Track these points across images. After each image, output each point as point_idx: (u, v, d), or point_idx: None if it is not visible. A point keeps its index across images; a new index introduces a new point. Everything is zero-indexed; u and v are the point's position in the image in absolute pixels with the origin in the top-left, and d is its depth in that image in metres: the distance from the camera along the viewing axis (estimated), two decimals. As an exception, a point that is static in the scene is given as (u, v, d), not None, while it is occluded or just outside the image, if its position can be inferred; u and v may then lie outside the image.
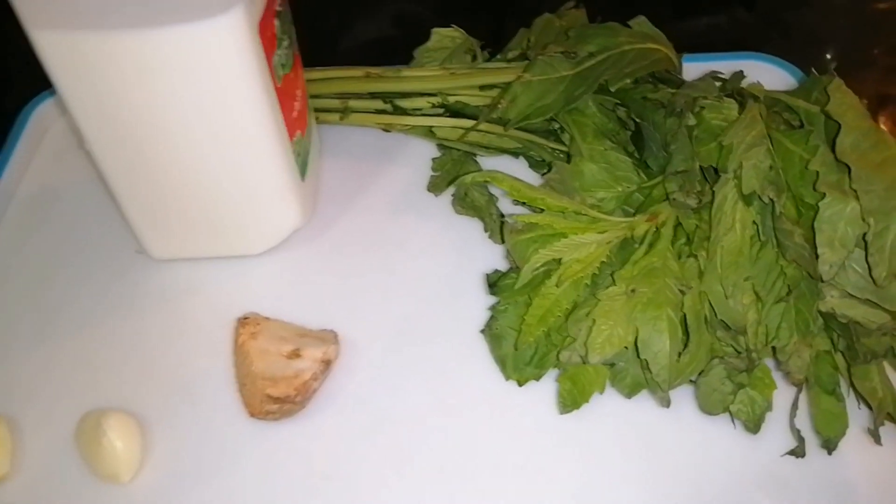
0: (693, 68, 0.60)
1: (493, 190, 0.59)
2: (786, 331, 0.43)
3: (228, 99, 0.46)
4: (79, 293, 0.56)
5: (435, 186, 0.61)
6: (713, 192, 0.46)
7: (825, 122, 0.45)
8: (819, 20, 0.84)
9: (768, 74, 0.65)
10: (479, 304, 0.54)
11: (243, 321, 0.49)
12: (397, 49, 0.66)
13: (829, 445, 0.44)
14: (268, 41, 0.47)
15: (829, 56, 0.80)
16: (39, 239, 0.59)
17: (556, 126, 0.59)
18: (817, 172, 0.40)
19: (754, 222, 0.43)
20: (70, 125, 0.67)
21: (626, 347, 0.43)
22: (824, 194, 0.39)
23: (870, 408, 0.46)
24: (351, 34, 0.79)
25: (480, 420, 0.49)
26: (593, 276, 0.47)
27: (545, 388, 0.49)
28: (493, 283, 0.50)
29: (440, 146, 0.63)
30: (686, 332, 0.44)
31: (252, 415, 0.47)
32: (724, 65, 0.61)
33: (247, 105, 0.47)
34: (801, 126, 0.46)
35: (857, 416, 0.47)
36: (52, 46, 0.43)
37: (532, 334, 0.46)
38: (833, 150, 0.41)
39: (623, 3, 0.61)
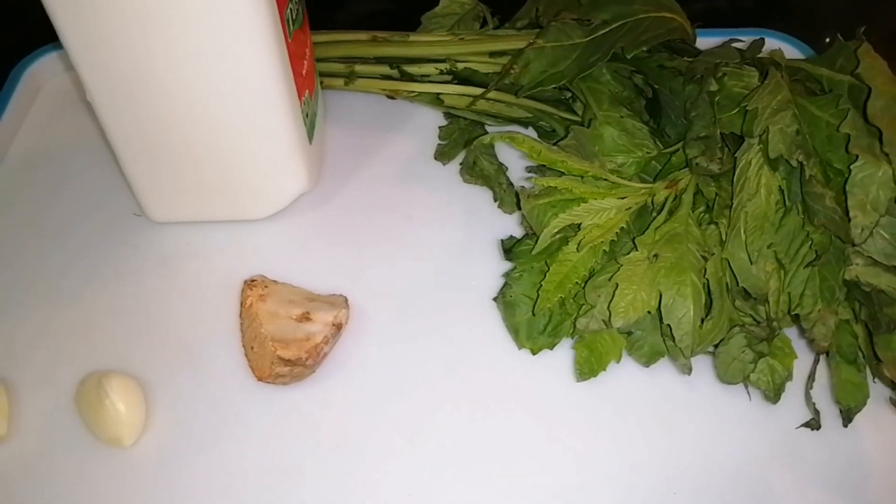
0: (702, 43, 0.59)
1: (502, 159, 0.58)
2: (810, 298, 0.42)
3: (240, 50, 0.44)
4: (75, 255, 0.54)
5: (442, 155, 0.60)
6: (735, 158, 0.45)
7: (849, 89, 0.44)
8: (818, 3, 0.84)
9: (777, 50, 0.64)
10: (489, 272, 0.53)
11: (251, 283, 0.48)
12: (400, 20, 0.64)
13: (849, 415, 0.44)
14: (281, -7, 0.45)
15: (827, 40, 0.80)
16: (33, 200, 0.57)
17: (568, 95, 0.58)
18: (848, 135, 0.40)
19: (780, 188, 0.43)
20: (72, 79, 0.65)
21: (648, 312, 0.43)
22: (856, 157, 0.39)
23: (884, 381, 0.45)
24: (353, 3, 0.78)
25: (492, 388, 0.48)
26: (611, 243, 0.46)
27: (559, 357, 0.48)
28: (509, 248, 0.49)
29: (447, 115, 0.62)
30: (709, 299, 0.43)
31: (260, 379, 0.46)
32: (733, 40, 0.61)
33: (259, 57, 0.45)
34: (824, 93, 0.45)
35: (872, 389, 0.46)
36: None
37: (550, 300, 0.45)
38: (863, 114, 0.40)
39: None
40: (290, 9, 0.47)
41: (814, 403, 0.46)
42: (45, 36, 0.65)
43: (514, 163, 0.58)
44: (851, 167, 0.39)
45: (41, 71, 0.65)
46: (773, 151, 0.42)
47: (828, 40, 0.80)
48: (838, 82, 0.45)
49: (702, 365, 0.48)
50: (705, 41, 0.59)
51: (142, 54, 0.44)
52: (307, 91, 0.52)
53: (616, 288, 0.43)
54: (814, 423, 0.45)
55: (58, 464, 0.45)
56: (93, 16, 0.42)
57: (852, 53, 0.43)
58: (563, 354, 0.49)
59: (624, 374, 0.48)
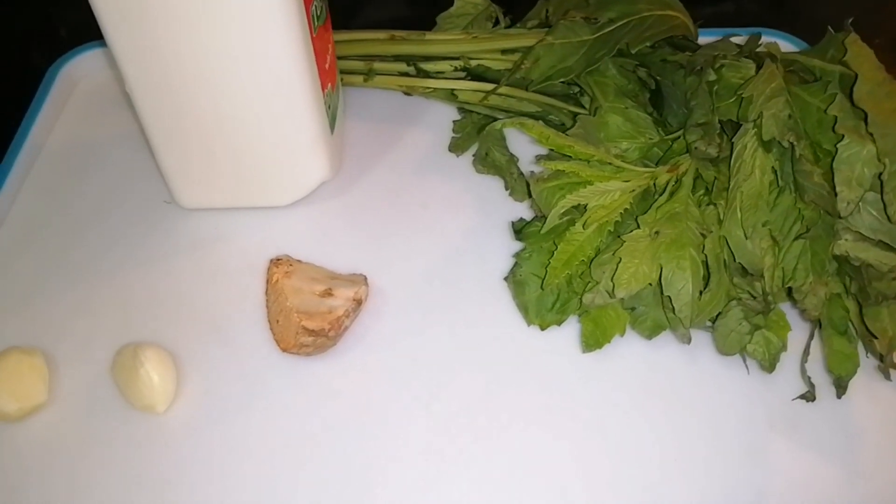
0: (704, 41, 0.61)
1: (513, 150, 0.61)
2: (802, 272, 0.45)
3: (269, 45, 0.48)
4: (110, 240, 0.57)
5: (457, 147, 0.63)
6: (732, 143, 0.48)
7: (840, 78, 0.47)
8: (822, 8, 0.86)
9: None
10: (500, 255, 0.56)
11: (276, 261, 0.51)
12: (416, 21, 0.67)
13: (841, 384, 0.47)
14: (307, -9, 0.49)
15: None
16: (70, 188, 0.61)
17: (576, 90, 0.61)
18: (836, 117, 0.42)
19: (773, 169, 0.46)
20: (105, 77, 0.69)
21: (650, 284, 0.45)
22: (842, 136, 0.41)
23: (874, 354, 0.48)
24: (362, 13, 0.81)
25: (504, 362, 0.50)
26: (616, 224, 0.49)
27: (566, 334, 0.51)
28: (519, 230, 0.52)
29: (461, 109, 0.65)
30: (707, 272, 0.46)
31: (285, 350, 0.49)
32: (735, 39, 0.63)
33: (286, 51, 0.48)
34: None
35: (864, 363, 0.49)
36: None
37: (558, 276, 0.48)
38: (850, 98, 0.43)
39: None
40: (315, 6, 0.51)
41: (809, 377, 0.48)
42: (77, 38, 0.70)
43: (525, 154, 0.61)
44: (838, 146, 0.42)
45: (76, 70, 0.69)
46: (767, 134, 0.45)
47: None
48: (829, 72, 0.48)
49: (702, 340, 0.50)
50: (707, 39, 0.61)
51: (178, 48, 0.47)
52: (329, 84, 0.55)
53: (619, 262, 0.46)
54: (809, 395, 0.48)
55: (95, 429, 0.48)
56: (134, 12, 0.46)
57: (841, 43, 0.46)
58: (570, 331, 0.51)
59: (628, 349, 0.50)
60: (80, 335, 0.52)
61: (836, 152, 0.42)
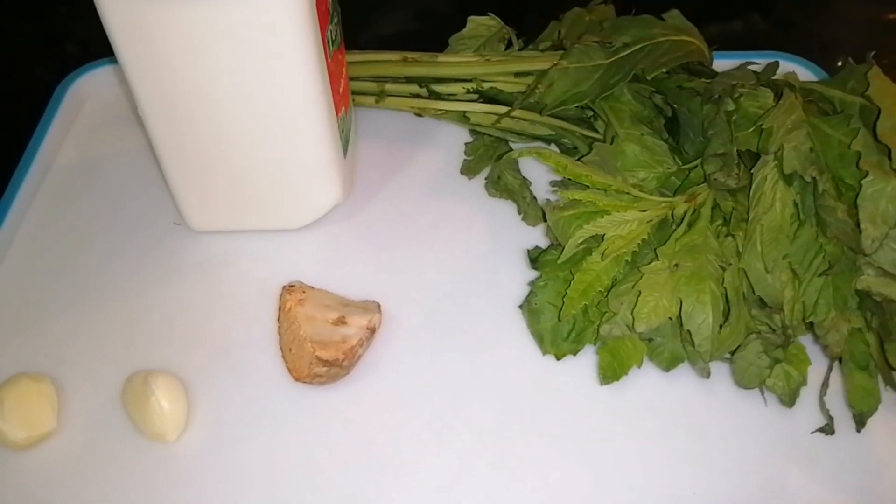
0: (718, 65, 0.61)
1: (526, 174, 0.60)
2: (823, 307, 0.45)
3: (285, 69, 0.47)
4: (118, 262, 0.57)
5: (468, 170, 0.62)
6: (751, 174, 0.47)
7: (860, 110, 0.46)
8: (831, 28, 0.86)
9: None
10: (514, 281, 0.55)
11: (289, 288, 0.50)
12: (428, 42, 0.67)
13: (861, 419, 0.46)
14: (322, 15, 0.48)
15: (839, 64, 0.82)
16: (77, 209, 0.60)
17: (590, 114, 0.61)
18: (859, 153, 0.42)
19: (794, 202, 0.45)
20: (114, 95, 0.68)
21: (670, 318, 0.45)
22: (867, 173, 0.41)
23: (894, 388, 0.47)
24: (372, 28, 0.81)
25: (518, 391, 0.50)
26: (633, 254, 0.48)
27: (581, 363, 0.51)
28: (535, 258, 0.52)
29: (473, 132, 0.65)
30: (727, 306, 0.45)
31: (298, 379, 0.48)
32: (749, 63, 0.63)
33: (301, 76, 0.48)
34: (836, 114, 0.48)
35: (883, 398, 0.48)
36: (116, 12, 0.44)
37: (575, 306, 0.47)
38: (873, 132, 0.43)
39: (643, 4, 0.62)
40: (331, 30, 0.50)
41: (828, 409, 0.48)
42: (86, 54, 0.70)
43: (537, 178, 0.60)
44: (862, 182, 0.41)
45: (85, 87, 0.68)
46: (788, 167, 0.44)
47: (840, 63, 0.82)
48: (850, 103, 0.47)
49: (720, 371, 0.50)
50: (722, 63, 0.61)
51: (191, 73, 0.47)
52: (343, 108, 0.55)
53: (639, 295, 0.45)
54: (828, 429, 0.47)
55: (104, 457, 0.47)
56: (147, 37, 0.45)
57: (863, 76, 0.46)
58: (585, 360, 0.51)
59: (645, 380, 0.50)
60: (88, 361, 0.51)
61: (860, 188, 0.41)
